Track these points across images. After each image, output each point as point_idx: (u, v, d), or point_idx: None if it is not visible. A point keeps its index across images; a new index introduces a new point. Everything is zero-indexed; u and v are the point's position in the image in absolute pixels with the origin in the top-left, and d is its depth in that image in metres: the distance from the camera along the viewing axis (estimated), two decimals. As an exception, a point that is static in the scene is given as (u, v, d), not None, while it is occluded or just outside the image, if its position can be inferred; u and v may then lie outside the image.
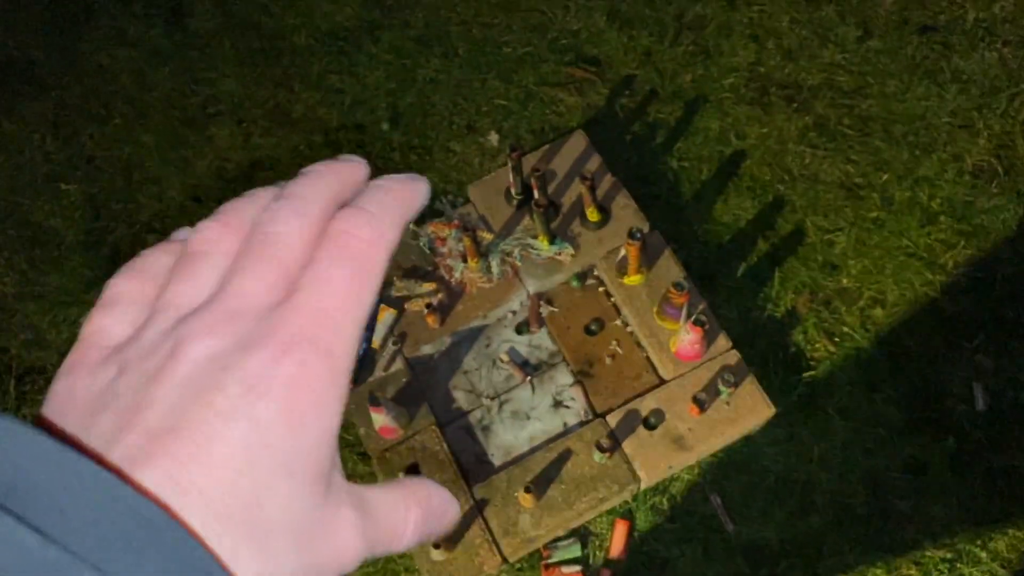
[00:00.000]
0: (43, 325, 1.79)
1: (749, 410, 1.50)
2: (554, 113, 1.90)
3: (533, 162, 1.69)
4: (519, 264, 1.63)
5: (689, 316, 1.49)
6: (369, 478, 1.54)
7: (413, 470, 1.49)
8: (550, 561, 1.50)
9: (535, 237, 1.63)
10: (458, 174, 1.83)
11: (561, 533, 1.49)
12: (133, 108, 2.00)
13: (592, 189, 1.58)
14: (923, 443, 1.55)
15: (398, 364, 1.57)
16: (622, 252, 1.57)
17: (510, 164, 1.59)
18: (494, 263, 1.62)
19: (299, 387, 0.23)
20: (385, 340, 1.59)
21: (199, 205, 1.87)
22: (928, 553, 1.48)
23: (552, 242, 1.62)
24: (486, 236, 1.66)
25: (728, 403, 1.50)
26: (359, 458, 1.58)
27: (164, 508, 0.21)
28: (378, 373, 1.57)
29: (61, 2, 2.13)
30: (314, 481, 0.23)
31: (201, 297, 0.25)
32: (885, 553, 1.49)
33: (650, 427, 1.50)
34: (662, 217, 1.71)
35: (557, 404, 1.56)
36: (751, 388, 1.51)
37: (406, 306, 1.61)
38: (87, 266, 1.84)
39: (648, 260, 1.59)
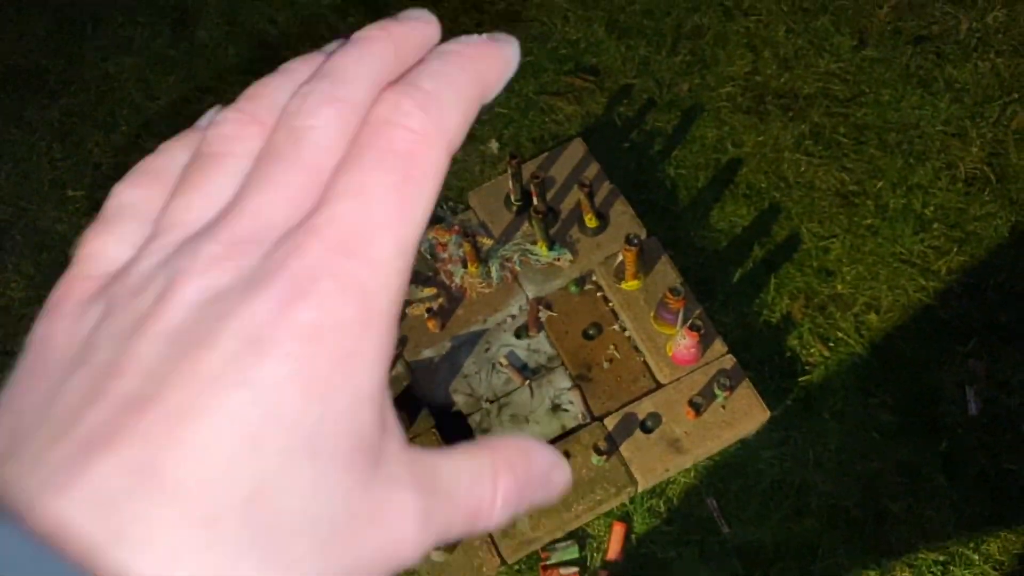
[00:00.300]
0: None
1: (745, 414, 1.52)
2: (553, 121, 1.92)
3: (532, 169, 1.72)
4: (518, 269, 1.65)
5: (686, 321, 1.52)
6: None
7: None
8: (548, 563, 1.51)
9: (534, 243, 1.65)
10: (459, 181, 1.86)
11: (559, 535, 1.52)
12: (139, 116, 2.03)
13: (590, 196, 1.61)
14: (916, 447, 1.57)
15: (399, 367, 1.60)
16: (620, 258, 1.59)
17: (510, 171, 1.61)
18: (494, 268, 1.65)
19: (318, 339, 0.18)
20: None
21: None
22: (921, 555, 1.50)
23: (551, 248, 1.65)
24: (486, 242, 1.68)
25: (724, 407, 1.52)
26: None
27: (78, 549, 0.16)
28: (379, 377, 1.59)
29: (68, 11, 2.16)
30: (351, 459, 0.18)
31: (211, 213, 0.20)
32: (879, 555, 1.51)
33: (647, 430, 1.52)
34: (659, 223, 1.74)
35: (555, 407, 1.58)
36: (747, 392, 1.53)
37: (407, 310, 1.64)
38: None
39: (645, 266, 1.61)
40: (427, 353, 1.62)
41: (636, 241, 1.51)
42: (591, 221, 1.65)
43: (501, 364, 1.61)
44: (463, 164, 1.89)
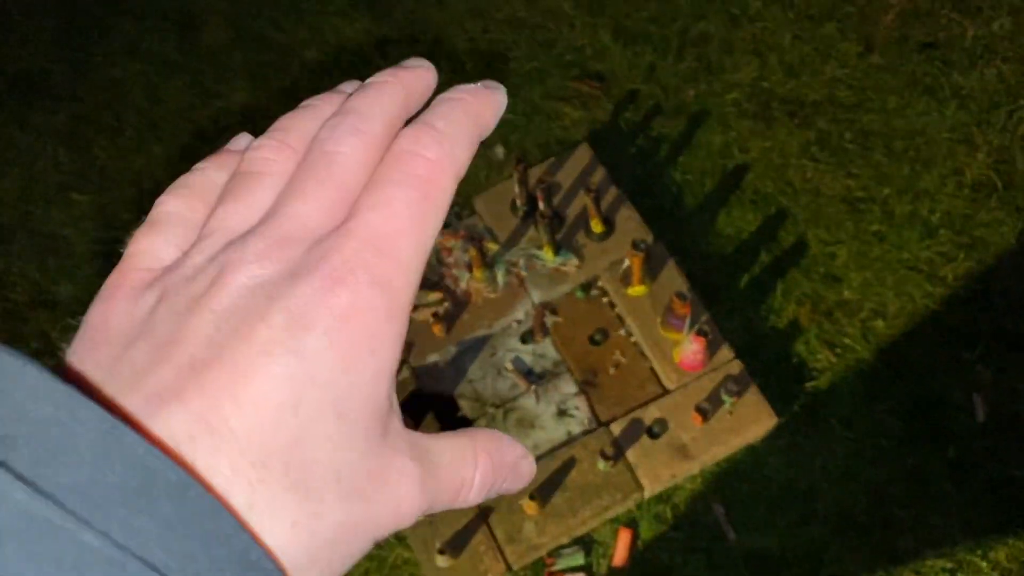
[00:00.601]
0: (54, 333, 1.81)
1: (752, 420, 1.52)
2: (559, 127, 1.92)
3: (539, 174, 1.72)
4: (524, 274, 1.65)
5: (692, 326, 1.51)
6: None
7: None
8: (554, 569, 1.51)
9: (540, 248, 1.65)
10: (464, 186, 1.86)
11: (565, 541, 1.51)
12: (145, 120, 2.03)
13: (597, 201, 1.61)
14: (923, 453, 1.57)
15: (404, 372, 1.59)
16: (626, 263, 1.59)
17: (516, 176, 1.61)
18: (499, 273, 1.65)
19: (351, 319, 0.21)
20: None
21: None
22: (928, 562, 1.49)
23: (557, 253, 1.64)
24: (492, 247, 1.68)
25: (731, 413, 1.51)
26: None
27: (178, 460, 0.19)
28: (385, 381, 1.59)
29: (75, 16, 2.17)
30: (368, 424, 0.21)
31: (253, 220, 0.23)
32: (886, 562, 1.50)
33: (654, 436, 1.52)
34: (666, 229, 1.74)
35: (561, 413, 1.58)
36: (754, 398, 1.52)
37: (412, 315, 1.63)
38: (98, 275, 1.86)
39: (652, 271, 1.61)
40: (432, 358, 1.62)
41: (642, 246, 1.51)
42: (597, 226, 1.65)
43: (507, 369, 1.61)
44: (469, 169, 1.88)
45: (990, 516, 1.52)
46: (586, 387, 1.59)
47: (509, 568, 1.46)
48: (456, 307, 1.64)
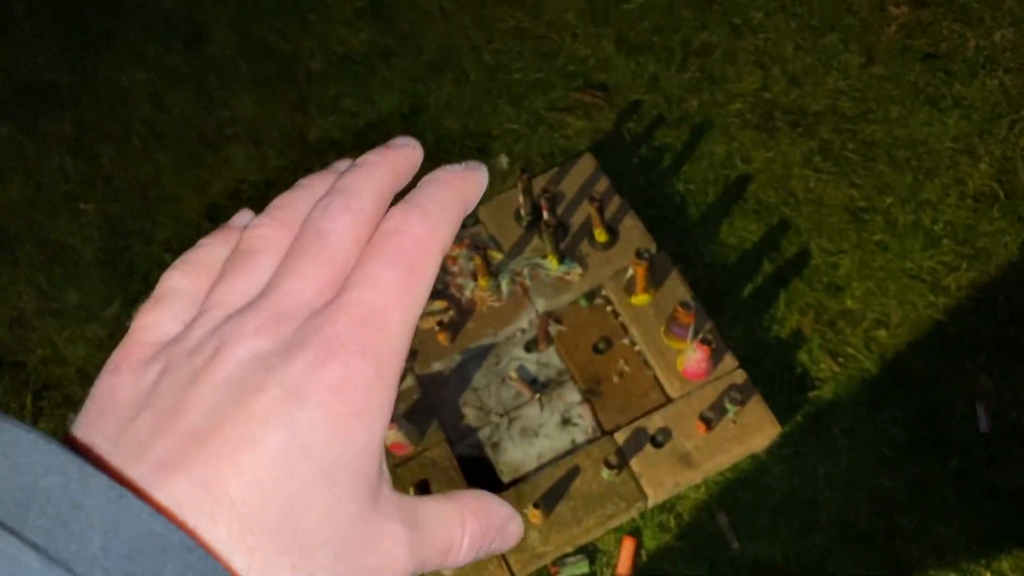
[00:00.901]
0: (60, 341, 1.82)
1: (755, 429, 1.52)
2: (563, 137, 1.93)
3: (542, 184, 1.73)
4: (528, 283, 1.66)
5: (696, 335, 1.52)
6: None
7: (423, 486, 1.51)
8: (558, 577, 1.51)
9: (544, 257, 1.66)
10: (469, 195, 1.87)
11: (569, 550, 1.51)
12: (151, 129, 2.04)
13: (600, 210, 1.62)
14: (926, 462, 1.57)
15: (409, 381, 1.60)
16: (630, 272, 1.60)
17: (520, 186, 1.62)
18: (504, 282, 1.65)
19: (343, 392, 0.22)
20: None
21: (215, 225, 1.90)
22: (932, 572, 1.50)
23: (561, 262, 1.65)
24: (496, 256, 1.69)
25: (735, 422, 1.52)
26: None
27: (181, 526, 0.20)
28: (389, 390, 1.60)
29: (82, 25, 2.18)
30: (359, 491, 0.22)
31: (251, 295, 0.25)
32: (889, 571, 1.51)
33: (657, 445, 1.52)
34: (669, 238, 1.75)
35: (565, 422, 1.58)
36: (757, 407, 1.53)
37: (417, 324, 1.64)
38: (104, 283, 1.87)
39: (655, 280, 1.62)
40: (437, 366, 1.62)
41: (646, 255, 1.51)
42: (601, 235, 1.66)
43: (511, 378, 1.62)
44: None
45: (994, 525, 1.52)
46: (590, 396, 1.59)
47: (513, 576, 1.46)
48: (461, 316, 1.65)
